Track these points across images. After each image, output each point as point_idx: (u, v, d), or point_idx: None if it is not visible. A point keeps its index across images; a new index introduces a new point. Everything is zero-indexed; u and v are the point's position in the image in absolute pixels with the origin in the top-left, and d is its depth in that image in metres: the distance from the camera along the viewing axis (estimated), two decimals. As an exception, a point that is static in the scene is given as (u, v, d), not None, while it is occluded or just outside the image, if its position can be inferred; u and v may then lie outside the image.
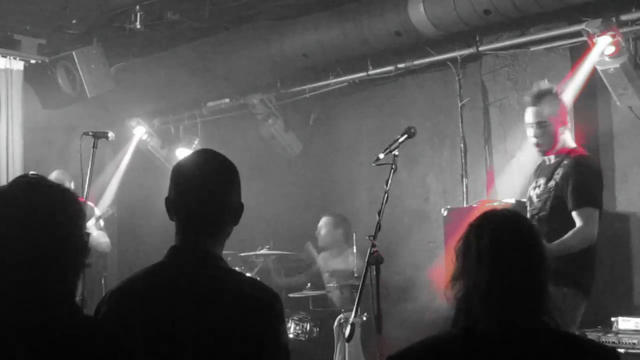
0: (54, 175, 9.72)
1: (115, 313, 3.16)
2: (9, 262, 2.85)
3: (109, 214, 10.04)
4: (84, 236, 3.08)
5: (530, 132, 6.34)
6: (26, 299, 2.83)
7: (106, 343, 2.91)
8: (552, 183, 6.22)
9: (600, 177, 6.28)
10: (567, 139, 6.36)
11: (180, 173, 3.32)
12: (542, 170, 6.46)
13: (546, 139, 6.29)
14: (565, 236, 5.94)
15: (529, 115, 6.33)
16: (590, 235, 6.02)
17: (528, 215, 6.37)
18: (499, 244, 2.97)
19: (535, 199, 6.38)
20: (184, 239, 3.28)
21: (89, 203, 10.43)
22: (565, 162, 6.21)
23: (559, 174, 6.19)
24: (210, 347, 3.07)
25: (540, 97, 6.30)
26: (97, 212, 9.92)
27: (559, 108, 6.33)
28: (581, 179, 6.07)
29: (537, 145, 6.34)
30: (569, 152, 6.29)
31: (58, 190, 3.04)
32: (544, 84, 6.41)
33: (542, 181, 6.36)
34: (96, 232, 9.58)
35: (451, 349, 2.95)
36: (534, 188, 6.45)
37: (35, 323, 2.80)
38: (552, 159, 6.37)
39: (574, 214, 6.02)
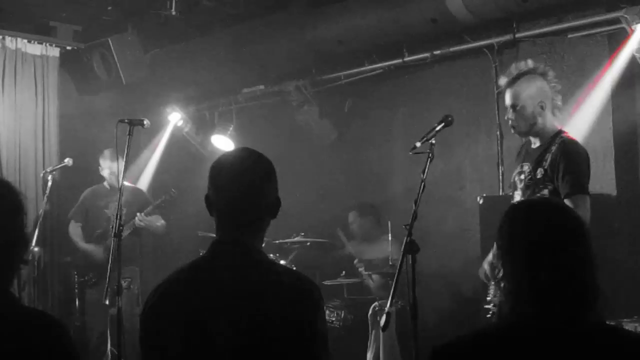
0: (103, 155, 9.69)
1: (160, 307, 3.24)
2: None
3: (164, 198, 9.88)
4: (23, 231, 3.04)
5: (507, 114, 6.34)
6: None
7: (44, 332, 2.89)
8: (540, 170, 6.16)
9: (588, 163, 6.18)
10: (549, 120, 6.25)
11: (218, 170, 3.38)
12: (527, 155, 6.39)
13: (521, 121, 6.24)
14: None
15: (506, 97, 6.32)
16: (585, 220, 6.02)
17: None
18: (548, 236, 2.92)
19: (519, 185, 6.34)
20: (224, 233, 3.35)
21: (140, 188, 10.49)
22: (552, 147, 6.12)
23: (547, 160, 6.11)
24: (251, 337, 3.11)
25: (516, 79, 6.25)
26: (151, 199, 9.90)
27: (537, 87, 6.24)
28: (572, 166, 6.01)
29: (512, 127, 6.33)
30: (554, 136, 6.20)
31: None
32: (524, 65, 6.32)
33: (527, 167, 6.30)
34: (149, 217, 9.58)
35: (503, 342, 2.90)
36: (519, 173, 6.41)
37: None
38: (537, 142, 6.30)
39: (566, 200, 5.98)
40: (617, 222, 7.92)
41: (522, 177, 6.33)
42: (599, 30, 8.31)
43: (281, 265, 3.54)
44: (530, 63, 6.35)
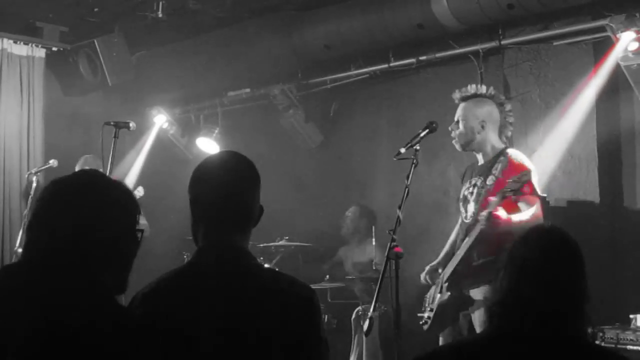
0: (85, 160, 9.66)
1: (150, 316, 3.08)
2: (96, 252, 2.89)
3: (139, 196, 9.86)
4: (137, 231, 3.10)
5: (451, 126, 6.81)
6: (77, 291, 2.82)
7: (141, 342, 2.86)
8: (491, 178, 6.47)
9: (534, 170, 6.48)
10: (493, 140, 6.70)
11: (200, 173, 3.29)
12: (475, 171, 6.74)
13: (461, 136, 6.74)
14: (521, 214, 6.25)
15: (457, 111, 6.82)
16: (539, 216, 6.29)
17: (465, 218, 6.66)
18: (545, 256, 2.98)
19: (471, 197, 6.62)
20: (209, 238, 3.23)
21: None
22: (501, 158, 6.50)
23: (497, 168, 6.45)
24: (251, 347, 3.04)
25: (466, 97, 6.80)
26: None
27: (485, 110, 6.71)
28: (522, 171, 6.23)
29: (453, 138, 6.81)
30: (500, 153, 6.59)
31: (122, 186, 3.10)
32: (480, 89, 6.80)
33: (477, 180, 6.63)
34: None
35: (480, 353, 2.93)
36: (469, 188, 6.69)
37: (83, 319, 2.76)
38: (481, 159, 6.72)
39: (520, 203, 6.28)
40: (599, 229, 7.95)
41: (472, 189, 6.57)
42: (584, 38, 8.33)
43: (275, 271, 3.48)
44: (491, 90, 6.80)
